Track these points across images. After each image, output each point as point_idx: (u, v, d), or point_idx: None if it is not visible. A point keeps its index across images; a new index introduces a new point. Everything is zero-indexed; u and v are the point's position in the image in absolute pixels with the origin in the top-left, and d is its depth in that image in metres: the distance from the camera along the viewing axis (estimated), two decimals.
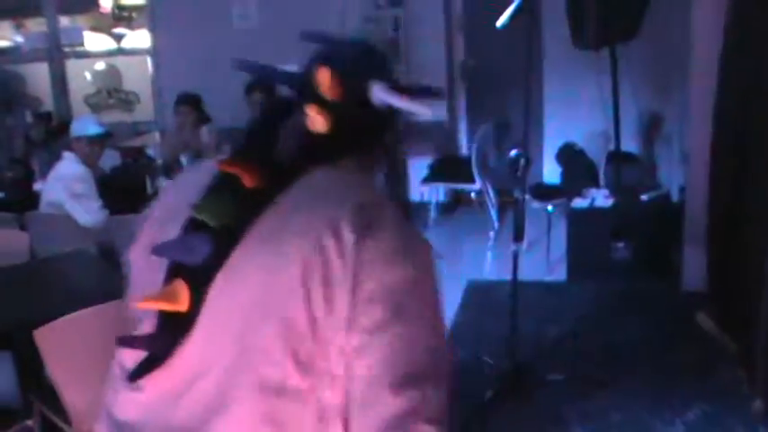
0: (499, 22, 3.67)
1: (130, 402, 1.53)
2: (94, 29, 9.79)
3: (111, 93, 9.51)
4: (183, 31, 8.05)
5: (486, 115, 7.41)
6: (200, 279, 1.43)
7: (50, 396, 3.03)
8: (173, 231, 1.50)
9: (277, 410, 1.38)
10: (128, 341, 1.52)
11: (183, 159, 6.53)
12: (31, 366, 3.27)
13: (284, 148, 1.52)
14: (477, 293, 5.57)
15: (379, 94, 1.55)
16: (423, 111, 1.58)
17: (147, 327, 1.50)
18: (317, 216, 1.41)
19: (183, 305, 1.42)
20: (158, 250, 1.47)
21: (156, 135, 8.61)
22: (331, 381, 1.37)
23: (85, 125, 5.25)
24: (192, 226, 1.47)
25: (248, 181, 1.46)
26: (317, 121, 1.52)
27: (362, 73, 1.57)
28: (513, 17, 3.63)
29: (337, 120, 1.53)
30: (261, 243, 1.42)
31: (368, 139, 1.63)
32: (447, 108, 7.87)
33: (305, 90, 1.56)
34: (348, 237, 1.36)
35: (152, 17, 8.74)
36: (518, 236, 3.97)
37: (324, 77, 1.53)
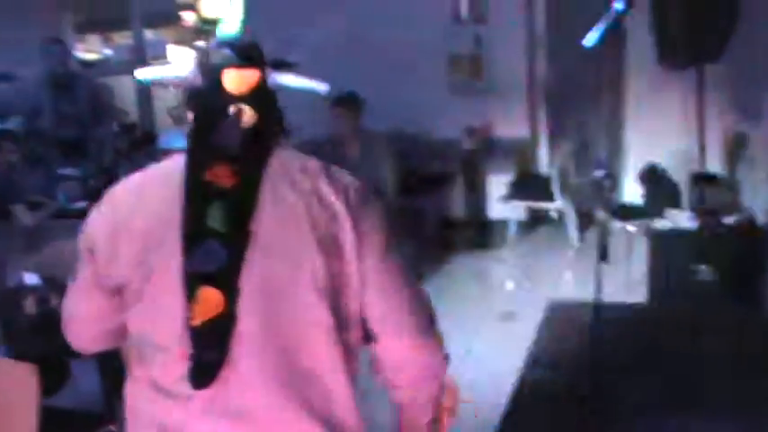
0: (588, 41, 3.62)
1: (180, 410, 1.62)
2: (178, 42, 9.98)
3: None
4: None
5: (566, 134, 7.35)
6: (228, 280, 1.58)
7: None
8: (169, 251, 1.59)
9: (338, 358, 1.65)
10: (193, 360, 1.59)
11: None
12: (114, 370, 3.33)
13: (227, 147, 1.63)
14: (557, 313, 5.52)
15: (277, 78, 1.74)
16: (319, 86, 1.89)
17: (179, 349, 1.59)
18: (304, 188, 1.65)
19: (219, 307, 1.57)
20: (188, 268, 1.57)
21: None
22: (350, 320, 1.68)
23: (173, 138, 5.36)
24: (197, 237, 1.58)
25: (227, 182, 1.60)
26: (246, 117, 1.64)
27: (262, 64, 1.70)
28: (603, 37, 3.57)
29: (260, 110, 1.66)
30: (272, 229, 1.61)
31: (278, 119, 1.77)
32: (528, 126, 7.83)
33: (221, 92, 1.65)
34: (331, 195, 1.66)
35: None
36: (602, 256, 3.92)
37: (251, 78, 1.66)
